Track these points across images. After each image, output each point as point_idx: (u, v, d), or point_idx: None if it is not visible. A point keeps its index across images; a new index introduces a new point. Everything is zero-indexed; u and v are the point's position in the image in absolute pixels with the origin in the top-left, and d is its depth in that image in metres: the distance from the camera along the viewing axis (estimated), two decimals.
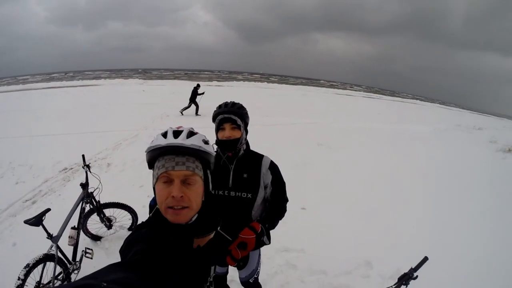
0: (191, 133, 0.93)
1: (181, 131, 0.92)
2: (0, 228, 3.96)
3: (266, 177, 1.75)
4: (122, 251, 0.82)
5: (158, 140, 0.90)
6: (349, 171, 6.59)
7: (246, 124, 1.76)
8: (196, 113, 13.08)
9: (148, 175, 5.60)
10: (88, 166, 3.25)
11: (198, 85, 14.01)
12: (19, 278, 2.33)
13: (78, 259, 2.94)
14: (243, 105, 1.79)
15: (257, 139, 8.54)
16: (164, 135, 0.91)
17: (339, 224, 4.25)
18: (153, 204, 0.92)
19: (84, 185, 3.15)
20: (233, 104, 1.74)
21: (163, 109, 13.83)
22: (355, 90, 54.29)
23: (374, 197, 5.28)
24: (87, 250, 3.03)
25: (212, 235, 0.98)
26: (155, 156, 0.90)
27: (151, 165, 0.93)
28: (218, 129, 1.74)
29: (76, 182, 5.38)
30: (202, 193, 0.93)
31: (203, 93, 13.65)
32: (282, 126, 11.14)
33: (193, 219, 0.90)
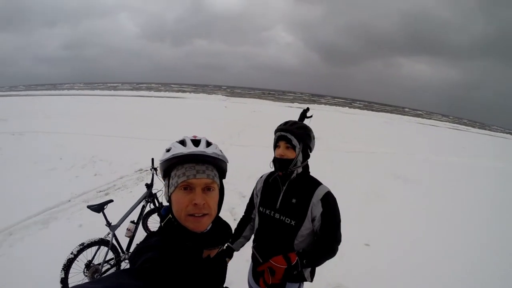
0: (208, 142, 0.95)
1: (199, 140, 0.94)
2: (72, 210, 4.50)
3: (315, 208, 1.55)
4: (132, 259, 0.82)
5: (178, 149, 0.89)
6: (424, 207, 5.92)
7: (305, 146, 1.61)
8: None
9: None
10: (155, 169, 3.40)
11: (308, 109, 14.07)
12: (72, 253, 2.58)
13: (131, 250, 3.03)
14: (313, 127, 1.67)
15: (330, 164, 8.09)
16: (183, 143, 0.91)
17: (404, 266, 3.71)
18: (164, 214, 0.92)
19: (149, 186, 3.34)
20: (294, 123, 1.63)
21: (242, 126, 13.98)
22: (441, 120, 48.11)
23: (447, 239, 4.65)
24: None
25: (223, 247, 0.98)
26: (173, 164, 0.89)
27: (166, 173, 0.92)
28: (275, 146, 1.66)
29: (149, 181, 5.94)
30: (217, 201, 0.94)
31: (311, 116, 13.72)
32: (359, 154, 10.50)
33: (208, 227, 0.91)
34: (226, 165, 0.98)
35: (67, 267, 2.53)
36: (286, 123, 1.64)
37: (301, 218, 1.57)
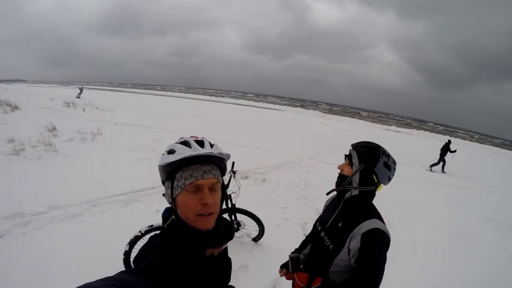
0: (211, 143, 0.95)
1: (202, 141, 0.94)
2: (153, 197, 4.74)
3: (354, 241, 1.36)
4: (136, 260, 0.85)
5: (184, 150, 0.89)
6: None
7: (368, 169, 1.43)
8: (442, 170, 11.89)
9: (300, 198, 5.80)
10: (234, 172, 3.53)
11: (449, 141, 12.86)
12: (140, 231, 2.74)
13: None
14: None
15: (416, 193, 7.74)
16: (187, 144, 0.91)
17: None
18: (165, 216, 0.92)
19: (224, 187, 3.24)
20: (367, 143, 1.51)
21: (333, 144, 13.74)
22: None
23: None
24: None
25: (225, 245, 0.98)
26: (178, 166, 0.89)
27: (170, 176, 0.92)
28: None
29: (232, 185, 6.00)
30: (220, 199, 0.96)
31: (455, 151, 12.44)
32: (451, 187, 9.26)
33: (212, 226, 0.92)
34: (226, 162, 0.99)
35: (133, 242, 2.71)
36: (362, 141, 1.55)
37: (339, 245, 1.43)
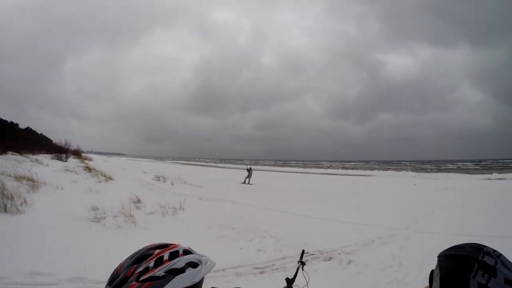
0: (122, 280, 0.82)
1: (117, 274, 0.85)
2: (219, 280, 4.38)
3: None
4: None
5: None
6: None
7: None
8: None
9: (391, 283, 4.90)
10: (302, 264, 2.85)
11: None
12: None
13: None
14: None
15: None
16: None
17: None
18: None
19: (289, 281, 2.70)
20: (456, 249, 0.97)
21: (432, 207, 11.97)
22: None
23: None
24: None
25: None
26: None
27: None
28: None
29: (312, 269, 5.13)
30: None
31: None
32: None
33: None
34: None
35: None
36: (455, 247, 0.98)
37: None
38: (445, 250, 0.97)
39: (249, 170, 20.37)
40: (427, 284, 1.03)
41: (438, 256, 0.98)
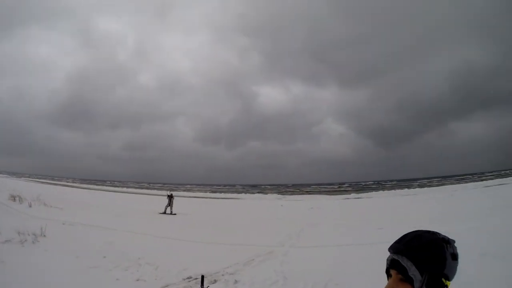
0: None
1: None
2: None
3: None
4: None
5: None
6: None
7: (438, 277, 0.98)
8: None
9: None
10: None
11: None
12: None
13: None
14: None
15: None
16: None
17: None
18: None
19: None
20: (415, 237, 1.03)
21: (301, 225, 13.24)
22: (505, 176, 40.84)
23: None
24: None
25: None
26: None
27: None
28: (387, 274, 1.10)
29: None
30: None
31: None
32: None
33: None
34: None
35: None
36: (403, 237, 1.06)
37: None
38: (404, 242, 1.04)
39: (170, 197, 17.28)
40: None
41: (399, 249, 1.04)
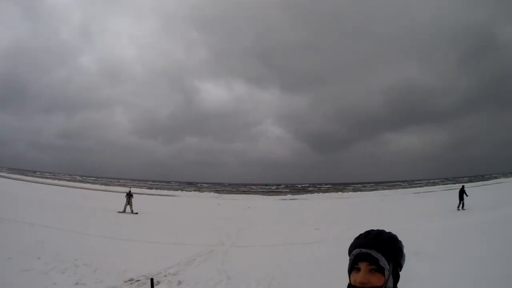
0: None
1: None
2: None
3: None
4: None
5: None
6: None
7: (397, 267, 1.19)
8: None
9: None
10: None
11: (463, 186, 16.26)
12: None
13: None
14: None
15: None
16: None
17: None
18: None
19: None
20: (379, 234, 1.21)
21: (239, 224, 13.46)
22: (434, 185, 48.92)
23: None
24: None
25: None
26: None
27: None
28: (351, 268, 1.20)
29: None
30: None
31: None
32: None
33: None
34: None
35: None
36: (368, 234, 1.22)
37: None
38: (371, 238, 1.16)
39: (129, 195, 15.87)
40: None
41: (371, 244, 1.13)
